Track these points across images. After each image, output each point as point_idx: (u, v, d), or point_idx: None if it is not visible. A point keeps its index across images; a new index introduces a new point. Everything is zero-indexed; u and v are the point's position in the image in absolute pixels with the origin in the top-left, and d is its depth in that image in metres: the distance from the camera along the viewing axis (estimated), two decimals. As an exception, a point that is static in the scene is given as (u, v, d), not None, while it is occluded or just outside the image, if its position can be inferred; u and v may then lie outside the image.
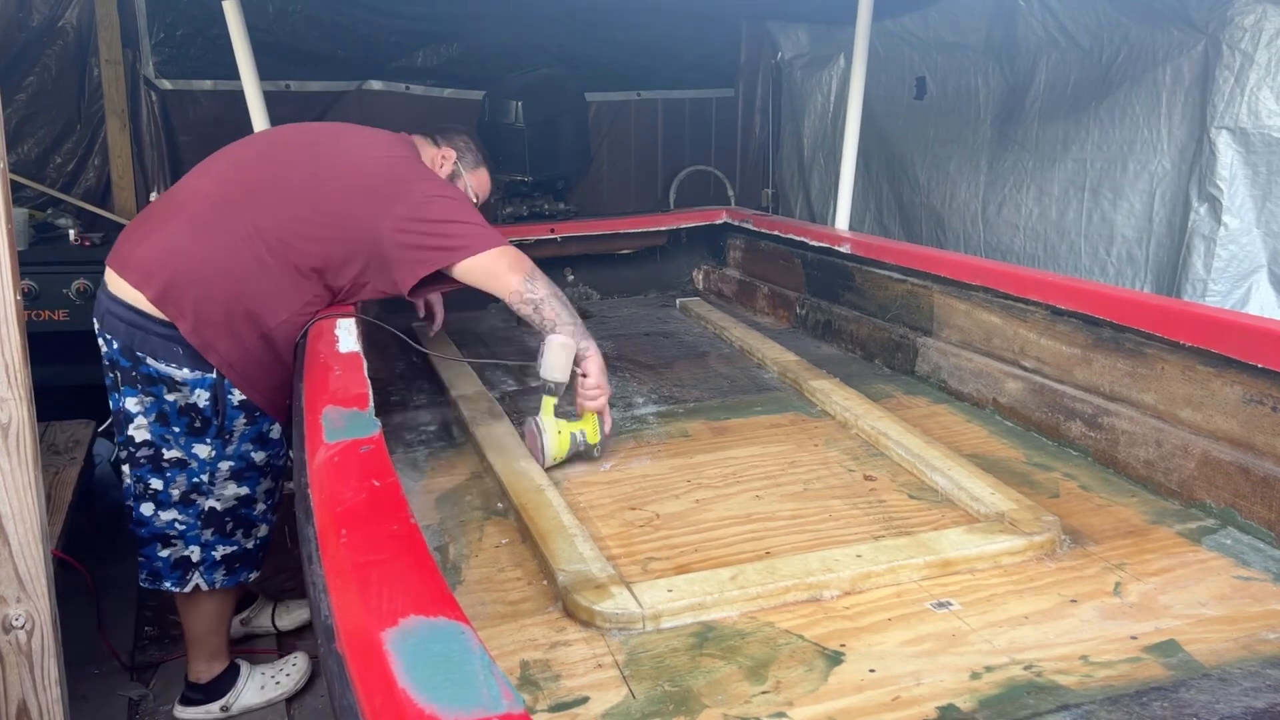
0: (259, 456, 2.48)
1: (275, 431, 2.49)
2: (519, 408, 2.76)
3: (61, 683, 1.99)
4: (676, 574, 1.77)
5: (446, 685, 0.89)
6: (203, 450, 2.39)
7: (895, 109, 4.91)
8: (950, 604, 1.67)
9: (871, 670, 1.48)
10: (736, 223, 4.16)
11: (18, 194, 4.31)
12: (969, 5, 4.33)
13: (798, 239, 3.65)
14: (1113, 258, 3.73)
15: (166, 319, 2.28)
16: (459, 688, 0.89)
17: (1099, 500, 2.10)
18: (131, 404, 2.34)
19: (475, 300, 3.03)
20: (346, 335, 2.22)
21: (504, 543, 1.95)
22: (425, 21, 5.10)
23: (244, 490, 2.47)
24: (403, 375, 3.11)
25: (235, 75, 3.38)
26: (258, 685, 2.69)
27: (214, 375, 2.33)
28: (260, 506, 2.53)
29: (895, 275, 3.11)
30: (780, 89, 5.95)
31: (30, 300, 3.58)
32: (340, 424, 1.61)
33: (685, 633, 1.60)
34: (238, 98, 3.41)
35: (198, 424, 2.36)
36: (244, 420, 2.41)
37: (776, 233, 3.81)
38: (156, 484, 2.39)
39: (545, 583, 1.77)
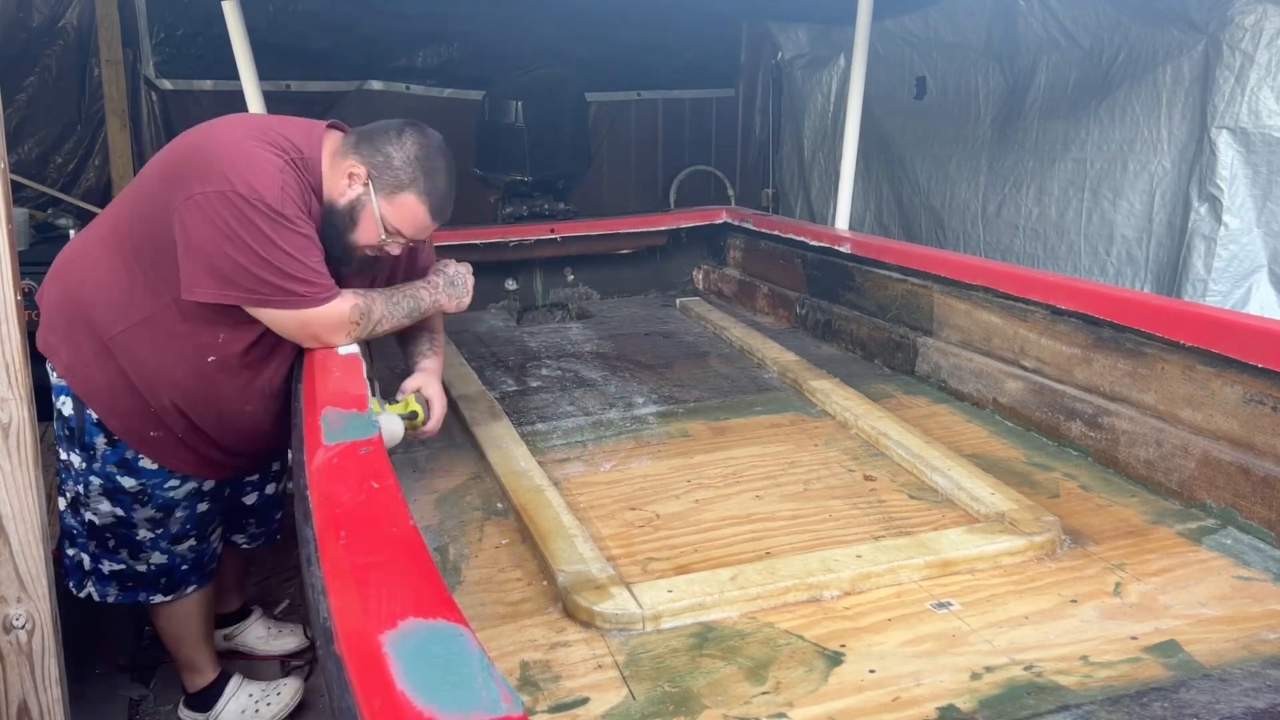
0: (128, 483, 2.19)
1: (149, 462, 2.19)
2: (519, 408, 2.76)
3: (62, 682, 1.99)
4: (676, 574, 1.77)
5: (445, 687, 0.89)
6: (76, 460, 2.19)
7: (895, 109, 4.91)
8: (950, 604, 1.67)
9: (871, 670, 1.48)
10: (736, 222, 4.16)
11: (18, 194, 4.30)
12: (969, 5, 4.32)
13: (798, 239, 3.65)
14: (1113, 258, 3.73)
15: None
16: (458, 690, 0.89)
17: (1099, 500, 2.09)
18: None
19: (474, 300, 3.03)
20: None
21: (504, 543, 1.95)
22: (425, 21, 5.11)
23: (119, 511, 2.22)
24: (402, 376, 3.11)
25: (235, 75, 3.38)
26: (239, 708, 2.54)
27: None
28: (144, 534, 2.26)
29: (895, 275, 3.10)
30: (780, 89, 5.95)
31: (30, 300, 3.57)
32: (339, 425, 1.61)
33: (685, 633, 1.60)
34: (238, 98, 3.41)
35: (66, 431, 2.18)
36: (103, 440, 2.16)
37: (776, 233, 3.81)
38: (58, 481, 2.26)
39: (545, 583, 1.77)
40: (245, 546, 2.68)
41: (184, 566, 2.35)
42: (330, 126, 2.14)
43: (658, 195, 5.95)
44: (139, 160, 4.69)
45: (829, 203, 5.01)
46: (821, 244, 3.50)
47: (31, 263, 3.17)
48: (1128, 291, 3.07)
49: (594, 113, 5.41)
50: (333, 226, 2.05)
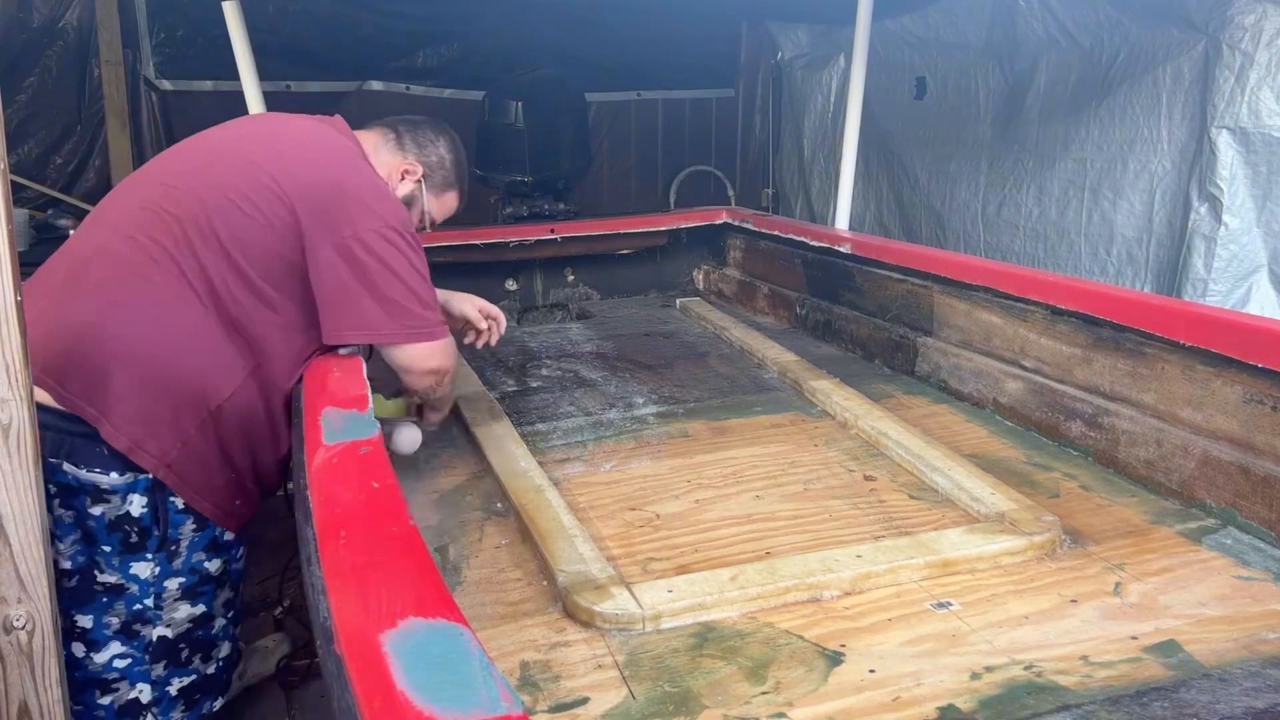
0: (213, 566, 2.04)
1: (229, 535, 2.09)
2: (519, 408, 2.76)
3: (62, 683, 1.99)
4: (676, 574, 1.76)
5: (445, 687, 0.89)
6: (144, 569, 1.94)
7: (895, 109, 4.91)
8: (950, 604, 1.67)
9: (871, 670, 1.48)
10: (736, 223, 4.16)
11: (18, 194, 4.31)
12: (969, 5, 4.33)
13: (798, 239, 3.65)
14: (1113, 258, 3.73)
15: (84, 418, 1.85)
16: (458, 689, 0.89)
17: (1099, 500, 2.09)
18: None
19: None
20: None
21: (504, 543, 1.95)
22: (425, 21, 5.11)
23: (199, 609, 2.04)
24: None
25: (235, 75, 3.39)
26: None
27: (150, 475, 1.90)
28: (220, 623, 2.10)
29: (895, 275, 3.10)
30: (780, 89, 5.96)
31: (30, 301, 3.56)
32: (339, 425, 1.61)
33: (685, 633, 1.60)
34: (238, 98, 3.41)
35: (134, 539, 1.92)
36: (193, 525, 1.98)
37: (776, 233, 3.81)
38: (85, 621, 1.92)
39: (545, 583, 1.77)
40: None
41: (239, 655, 2.26)
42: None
43: (658, 195, 5.95)
44: (139, 160, 4.69)
45: (829, 203, 5.01)
46: (821, 244, 3.50)
47: (32, 263, 3.17)
48: (1128, 291, 3.07)
49: (594, 113, 5.41)
50: None
